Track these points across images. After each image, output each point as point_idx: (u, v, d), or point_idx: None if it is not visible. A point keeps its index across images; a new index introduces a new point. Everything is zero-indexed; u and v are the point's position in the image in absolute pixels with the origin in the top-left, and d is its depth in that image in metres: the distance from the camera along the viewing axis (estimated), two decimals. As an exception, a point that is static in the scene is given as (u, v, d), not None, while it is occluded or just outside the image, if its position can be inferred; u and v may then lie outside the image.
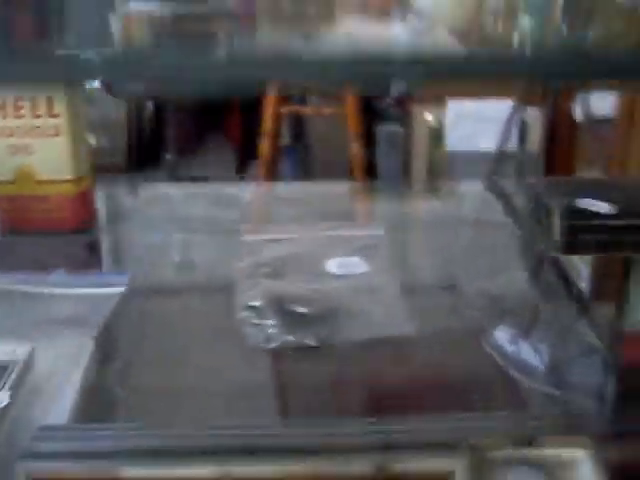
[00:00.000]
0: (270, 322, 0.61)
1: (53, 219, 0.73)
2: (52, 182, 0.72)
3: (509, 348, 1.12)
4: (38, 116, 0.70)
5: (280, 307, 0.62)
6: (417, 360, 0.71)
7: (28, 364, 0.54)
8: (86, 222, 0.73)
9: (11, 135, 0.71)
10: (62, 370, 0.55)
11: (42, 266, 0.67)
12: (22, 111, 0.70)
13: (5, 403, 0.52)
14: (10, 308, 0.62)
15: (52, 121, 0.70)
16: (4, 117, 0.70)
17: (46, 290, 0.64)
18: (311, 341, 0.60)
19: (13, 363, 0.53)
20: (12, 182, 0.72)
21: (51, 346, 0.56)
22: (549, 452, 0.78)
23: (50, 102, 0.70)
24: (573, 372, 1.14)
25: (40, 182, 0.72)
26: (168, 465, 0.51)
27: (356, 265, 0.68)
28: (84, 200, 0.73)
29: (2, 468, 0.47)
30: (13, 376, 0.53)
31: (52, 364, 0.55)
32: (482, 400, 0.83)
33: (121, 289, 0.63)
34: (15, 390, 0.52)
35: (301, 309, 0.62)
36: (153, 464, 0.50)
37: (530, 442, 0.77)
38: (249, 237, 0.73)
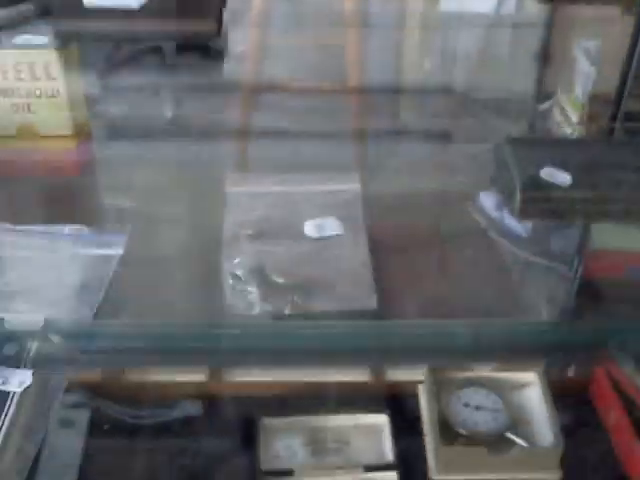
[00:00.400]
0: (252, 290, 0.69)
1: (54, 167, 0.79)
2: (52, 137, 0.78)
3: (494, 214, 1.18)
4: (37, 79, 0.75)
5: (261, 277, 0.69)
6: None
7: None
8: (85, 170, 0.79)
9: (12, 95, 0.76)
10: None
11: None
12: (22, 75, 0.75)
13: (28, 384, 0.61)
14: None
15: (50, 83, 0.75)
16: (5, 79, 0.75)
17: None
18: (287, 310, 0.68)
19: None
20: (14, 137, 0.78)
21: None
22: (504, 375, 0.87)
23: (47, 66, 0.74)
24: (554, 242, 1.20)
25: (41, 137, 0.78)
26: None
27: (331, 227, 0.74)
28: (83, 151, 0.79)
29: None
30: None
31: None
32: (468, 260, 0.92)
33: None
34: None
35: (279, 279, 0.69)
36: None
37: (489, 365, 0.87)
38: (233, 189, 0.79)
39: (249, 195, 0.77)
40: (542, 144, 0.85)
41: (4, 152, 0.77)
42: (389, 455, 0.83)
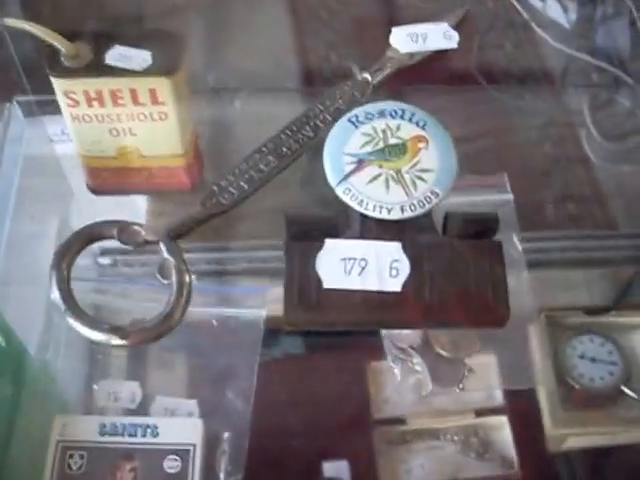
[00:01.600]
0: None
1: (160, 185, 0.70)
2: (158, 157, 0.68)
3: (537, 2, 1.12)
4: (141, 104, 0.64)
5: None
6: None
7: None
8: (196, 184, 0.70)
9: (111, 121, 0.65)
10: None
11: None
12: (121, 101, 0.63)
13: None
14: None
15: (157, 108, 0.64)
16: (102, 106, 0.64)
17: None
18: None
19: None
20: (115, 158, 0.68)
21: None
22: (614, 319, 0.85)
23: (153, 92, 0.63)
24: (599, 35, 1.15)
25: (146, 157, 0.68)
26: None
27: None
28: (191, 168, 0.69)
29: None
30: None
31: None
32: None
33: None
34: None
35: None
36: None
37: (599, 311, 0.84)
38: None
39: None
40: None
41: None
42: (499, 398, 0.83)
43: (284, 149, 0.62)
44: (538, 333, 0.83)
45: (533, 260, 0.87)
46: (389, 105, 0.63)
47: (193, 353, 0.67)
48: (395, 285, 0.55)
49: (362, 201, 0.58)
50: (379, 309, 0.56)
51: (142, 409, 0.64)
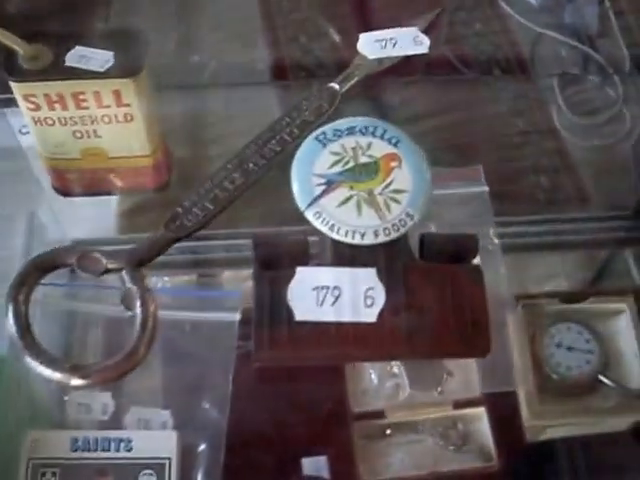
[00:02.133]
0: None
1: (128, 185, 0.68)
2: (125, 158, 0.66)
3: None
4: (105, 106, 0.61)
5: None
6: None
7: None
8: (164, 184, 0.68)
9: (74, 124, 0.62)
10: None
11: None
12: (84, 103, 0.61)
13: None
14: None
15: (122, 109, 0.62)
16: (64, 109, 0.61)
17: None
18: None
19: None
20: (80, 160, 0.66)
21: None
22: (591, 306, 0.84)
23: (117, 93, 0.61)
24: (568, 12, 1.15)
25: (112, 158, 0.66)
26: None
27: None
28: (159, 168, 0.67)
29: None
30: None
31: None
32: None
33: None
34: None
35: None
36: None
37: (576, 298, 0.83)
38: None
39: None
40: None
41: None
42: (477, 390, 0.82)
43: (250, 165, 0.59)
44: (515, 322, 0.82)
45: (509, 245, 0.86)
46: (359, 121, 0.60)
47: (166, 361, 0.65)
48: (370, 316, 0.53)
49: (333, 226, 0.55)
50: (354, 342, 0.53)
51: (115, 420, 0.63)
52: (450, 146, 0.97)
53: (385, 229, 0.55)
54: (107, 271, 0.54)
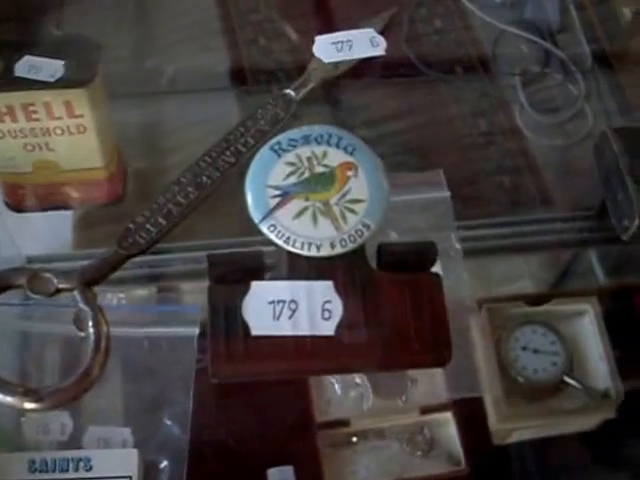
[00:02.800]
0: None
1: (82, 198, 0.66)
2: (79, 171, 0.64)
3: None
4: (57, 118, 0.60)
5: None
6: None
7: None
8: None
9: (25, 136, 0.61)
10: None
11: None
12: (35, 115, 0.60)
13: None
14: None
15: (74, 121, 0.61)
16: (14, 121, 0.60)
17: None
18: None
19: None
20: (32, 174, 0.64)
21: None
22: (555, 308, 0.84)
23: (69, 104, 0.59)
24: (529, 8, 1.15)
25: (65, 172, 0.64)
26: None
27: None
28: (114, 179, 0.66)
29: None
30: None
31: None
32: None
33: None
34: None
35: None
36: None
37: (540, 300, 0.83)
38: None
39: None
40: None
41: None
42: (444, 395, 0.82)
43: (204, 178, 0.58)
44: (479, 327, 0.81)
45: (472, 249, 0.86)
46: (314, 130, 0.58)
47: (125, 378, 0.64)
48: (328, 329, 0.52)
49: (289, 238, 0.54)
50: (312, 356, 0.52)
51: (74, 440, 0.61)
52: (412, 149, 0.97)
53: (342, 240, 0.54)
54: (58, 291, 0.53)
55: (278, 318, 0.51)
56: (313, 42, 0.70)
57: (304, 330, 0.52)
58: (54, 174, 0.66)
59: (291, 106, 0.64)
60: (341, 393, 0.70)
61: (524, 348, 0.80)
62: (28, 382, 0.64)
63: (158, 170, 0.76)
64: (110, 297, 0.65)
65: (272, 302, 0.52)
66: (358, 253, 0.55)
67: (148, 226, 0.55)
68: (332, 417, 0.79)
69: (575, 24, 1.08)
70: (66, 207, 0.71)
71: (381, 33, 0.67)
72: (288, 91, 0.65)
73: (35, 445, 0.61)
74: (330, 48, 0.66)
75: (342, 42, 0.66)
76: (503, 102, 1.05)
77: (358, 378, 0.68)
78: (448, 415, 0.81)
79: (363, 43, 0.66)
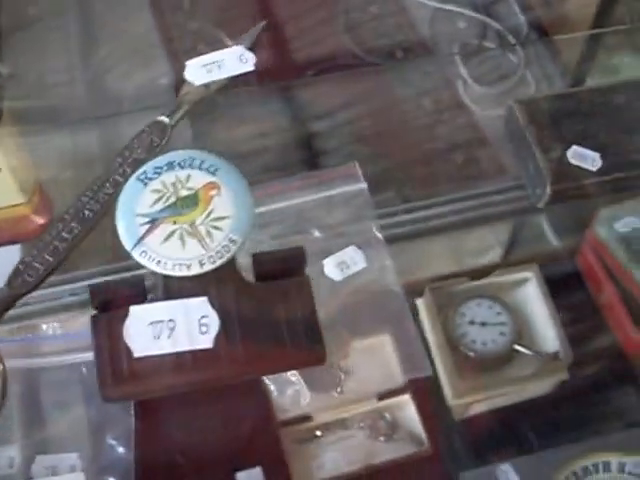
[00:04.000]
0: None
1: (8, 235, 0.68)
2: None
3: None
4: None
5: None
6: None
7: None
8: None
9: None
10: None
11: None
12: None
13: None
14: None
15: None
16: None
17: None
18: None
19: None
20: None
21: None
22: (499, 279, 0.85)
23: None
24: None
25: None
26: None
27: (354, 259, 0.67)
28: (39, 212, 0.68)
29: None
30: None
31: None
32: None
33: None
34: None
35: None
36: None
37: (482, 273, 0.84)
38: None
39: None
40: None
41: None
42: (399, 378, 0.83)
43: (86, 212, 0.60)
44: (425, 307, 0.83)
45: (413, 232, 0.87)
46: (178, 155, 0.60)
47: (67, 404, 0.66)
48: (206, 342, 0.54)
49: (160, 262, 0.56)
50: (194, 369, 0.55)
51: (23, 472, 0.63)
52: (362, 138, 0.98)
53: (210, 257, 0.56)
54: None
55: (158, 338, 0.54)
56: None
57: (184, 346, 0.54)
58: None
59: (166, 133, 0.65)
60: (278, 393, 0.71)
61: (471, 322, 0.81)
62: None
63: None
64: (45, 328, 0.67)
65: (151, 323, 0.54)
66: (228, 267, 0.57)
67: (36, 264, 0.57)
68: (294, 413, 0.81)
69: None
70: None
71: (250, 49, 0.69)
72: (161, 118, 0.67)
73: (-13, 481, 0.63)
74: (200, 71, 0.68)
75: (212, 63, 0.68)
76: (446, 80, 1.06)
77: (292, 376, 0.70)
78: (406, 398, 0.82)
79: (233, 61, 0.68)
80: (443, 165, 0.99)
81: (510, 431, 0.82)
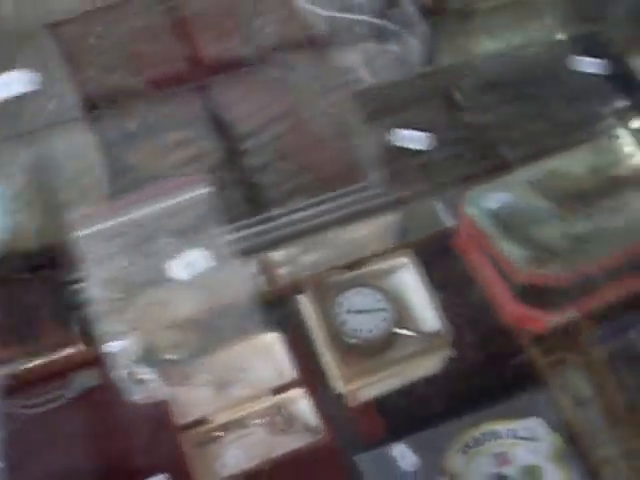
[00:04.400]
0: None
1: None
2: None
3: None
4: None
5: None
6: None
7: None
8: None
9: None
10: None
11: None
12: None
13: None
14: None
15: None
16: None
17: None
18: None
19: None
20: None
21: None
22: (376, 267, 0.88)
23: None
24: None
25: None
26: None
27: (200, 260, 0.70)
28: None
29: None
30: None
31: None
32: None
33: None
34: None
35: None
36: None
37: (359, 263, 0.87)
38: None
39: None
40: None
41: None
42: (290, 373, 0.86)
43: None
44: (308, 304, 0.85)
45: (295, 232, 0.90)
46: None
47: None
48: None
49: None
50: None
51: None
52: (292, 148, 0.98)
53: None
54: None
55: None
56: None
57: None
58: None
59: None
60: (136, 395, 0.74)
61: (349, 311, 0.83)
62: None
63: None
64: None
65: None
66: None
67: None
68: (192, 417, 0.83)
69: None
70: None
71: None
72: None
73: None
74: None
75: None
76: (349, 85, 1.07)
77: (141, 374, 0.72)
78: (300, 391, 0.85)
79: (17, 81, 0.70)
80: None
81: (403, 411, 0.85)
